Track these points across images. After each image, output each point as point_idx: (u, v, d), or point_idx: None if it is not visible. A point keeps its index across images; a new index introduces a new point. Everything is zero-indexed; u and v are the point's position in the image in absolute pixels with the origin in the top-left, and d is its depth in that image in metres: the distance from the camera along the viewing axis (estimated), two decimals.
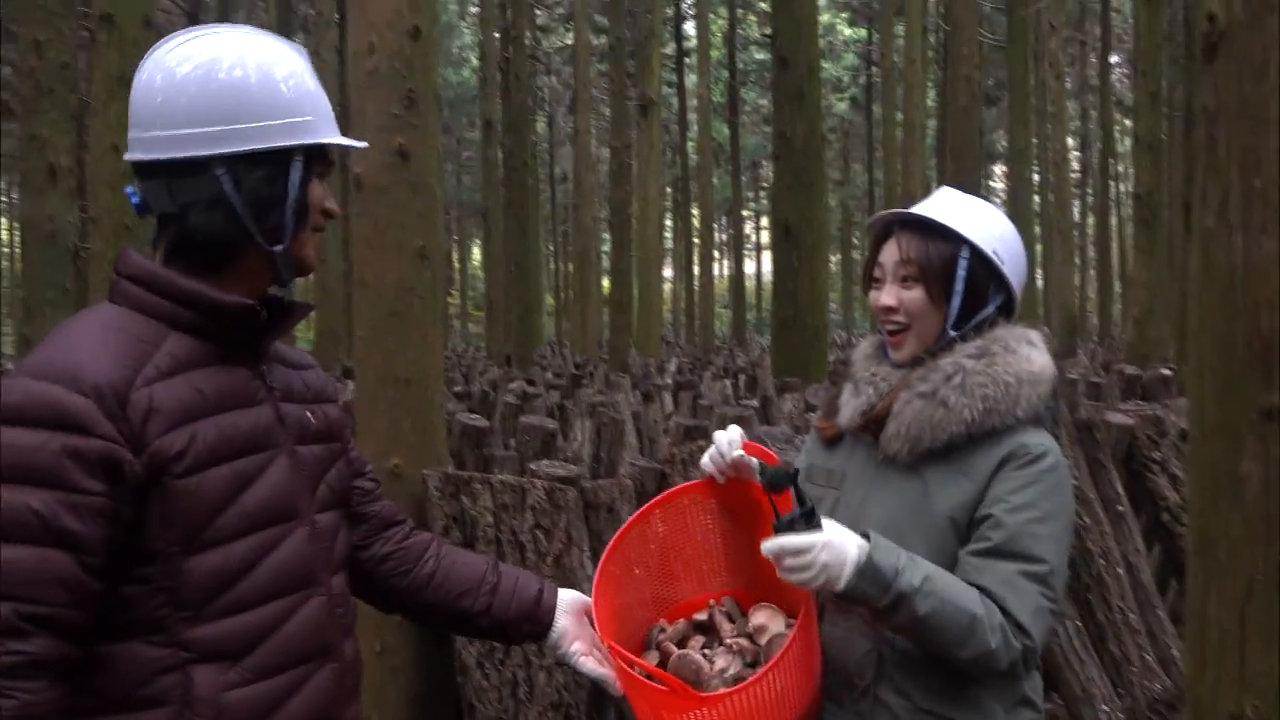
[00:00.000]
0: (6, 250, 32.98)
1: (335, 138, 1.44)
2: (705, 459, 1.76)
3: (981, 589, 1.52)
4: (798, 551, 1.47)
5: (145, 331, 1.32)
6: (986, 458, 1.59)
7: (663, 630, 1.76)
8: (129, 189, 1.41)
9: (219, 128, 1.34)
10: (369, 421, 2.91)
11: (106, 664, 1.26)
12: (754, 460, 1.70)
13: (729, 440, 1.72)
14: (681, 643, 1.72)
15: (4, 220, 32.35)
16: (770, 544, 1.50)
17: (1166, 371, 7.57)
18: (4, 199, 32.17)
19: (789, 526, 1.50)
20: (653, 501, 1.79)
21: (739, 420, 5.19)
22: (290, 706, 1.38)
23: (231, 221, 1.36)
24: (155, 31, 5.53)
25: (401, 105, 2.82)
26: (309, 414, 1.50)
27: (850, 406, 1.74)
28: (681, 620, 1.78)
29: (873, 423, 1.69)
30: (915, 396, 1.63)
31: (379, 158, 2.83)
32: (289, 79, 1.40)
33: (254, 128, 1.35)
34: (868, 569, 1.47)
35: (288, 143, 1.37)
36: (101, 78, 5.37)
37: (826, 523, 1.52)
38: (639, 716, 1.64)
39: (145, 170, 1.37)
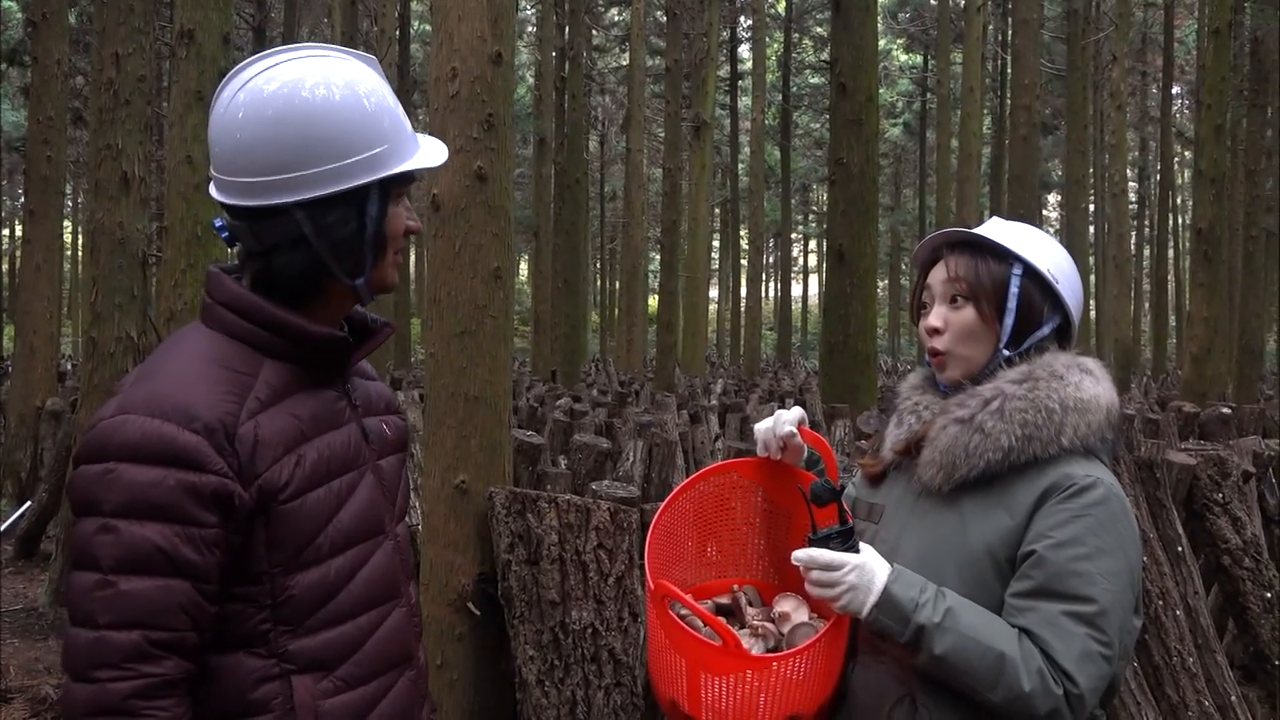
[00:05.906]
0: (69, 254, 33.84)
1: (410, 160, 1.41)
2: (759, 427, 1.72)
3: (1024, 630, 1.43)
4: (829, 567, 1.45)
5: (242, 361, 1.35)
6: (1028, 490, 1.49)
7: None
8: (217, 221, 1.42)
9: (294, 174, 1.33)
10: (437, 437, 2.96)
11: (214, 676, 1.31)
12: (804, 445, 1.68)
13: (788, 418, 1.69)
14: None
15: (68, 224, 33.17)
16: (803, 553, 1.47)
17: (1226, 410, 7.42)
18: (68, 203, 33.04)
19: (824, 541, 1.47)
20: (703, 471, 1.77)
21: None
22: (378, 711, 1.44)
23: (313, 260, 1.38)
24: (232, 48, 5.68)
25: (481, 129, 2.89)
26: (385, 426, 1.55)
27: (892, 437, 1.68)
28: (707, 600, 1.76)
29: (911, 449, 1.62)
30: (952, 422, 1.55)
31: (458, 180, 2.89)
32: (356, 107, 1.36)
33: (328, 170, 1.34)
34: (885, 600, 1.44)
35: (361, 180, 1.36)
36: (179, 92, 5.52)
37: (864, 548, 1.49)
38: (664, 671, 1.56)
39: (230, 209, 1.38)
